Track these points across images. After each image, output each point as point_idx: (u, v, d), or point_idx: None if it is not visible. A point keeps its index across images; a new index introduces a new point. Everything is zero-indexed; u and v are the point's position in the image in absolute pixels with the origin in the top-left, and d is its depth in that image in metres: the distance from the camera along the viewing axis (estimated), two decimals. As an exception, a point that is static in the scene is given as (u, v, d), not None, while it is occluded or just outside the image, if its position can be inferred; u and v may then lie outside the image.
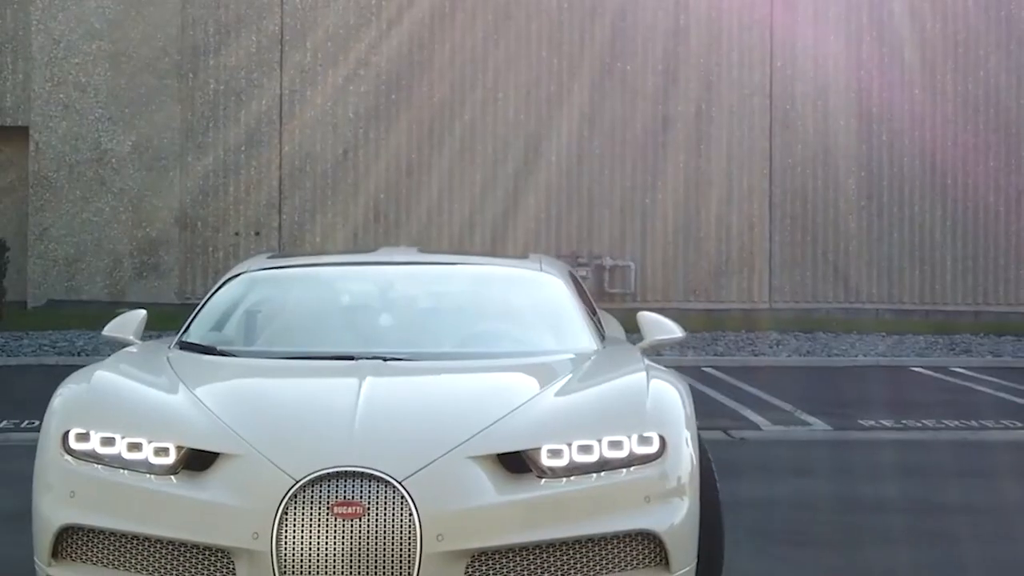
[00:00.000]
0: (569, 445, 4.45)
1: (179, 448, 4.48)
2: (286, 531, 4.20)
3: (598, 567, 4.39)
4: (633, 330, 6.61)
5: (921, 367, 14.52)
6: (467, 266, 6.81)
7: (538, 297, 6.21)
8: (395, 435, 4.47)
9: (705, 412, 11.06)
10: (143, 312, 6.30)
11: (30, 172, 18.62)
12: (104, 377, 5.02)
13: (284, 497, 4.22)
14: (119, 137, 18.56)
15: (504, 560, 4.33)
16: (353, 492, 4.21)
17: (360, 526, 4.18)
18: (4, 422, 10.32)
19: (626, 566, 4.41)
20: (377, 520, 4.19)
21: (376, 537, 4.18)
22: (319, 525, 4.19)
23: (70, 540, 4.50)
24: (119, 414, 4.73)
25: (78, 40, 18.55)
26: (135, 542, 4.40)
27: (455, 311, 6.19)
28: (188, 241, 18.72)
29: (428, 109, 18.77)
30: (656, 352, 6.42)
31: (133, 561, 4.40)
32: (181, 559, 4.35)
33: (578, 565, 4.38)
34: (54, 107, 18.57)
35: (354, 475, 4.24)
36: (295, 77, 18.71)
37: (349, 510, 4.19)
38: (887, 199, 18.93)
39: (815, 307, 18.82)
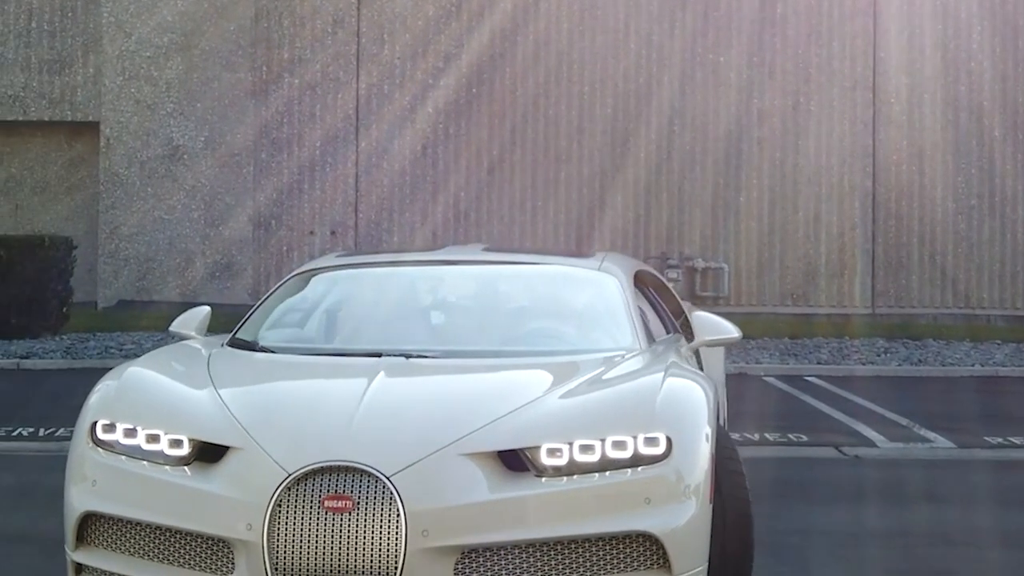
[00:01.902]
0: (570, 444, 4.44)
1: (191, 440, 4.62)
2: (278, 523, 4.29)
3: (595, 568, 4.36)
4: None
5: (1046, 378, 13.54)
6: (522, 265, 6.72)
7: (588, 295, 6.16)
8: (390, 432, 4.52)
9: (813, 426, 10.34)
10: (207, 308, 6.40)
11: (101, 169, 18.14)
12: (135, 372, 5.18)
13: (276, 489, 4.31)
14: (191, 133, 18.00)
15: (496, 558, 4.33)
16: (343, 486, 4.29)
17: (349, 520, 4.26)
18: (62, 430, 9.67)
19: (625, 568, 4.37)
20: (365, 515, 4.27)
21: (363, 531, 4.25)
22: (310, 518, 4.28)
23: (91, 527, 4.70)
24: (142, 407, 4.89)
25: (149, 33, 18.02)
26: (148, 530, 4.57)
27: (499, 310, 6.24)
28: (262, 240, 18.10)
29: (511, 104, 18.00)
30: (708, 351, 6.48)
31: (147, 548, 4.56)
32: (189, 548, 4.49)
33: (574, 565, 4.36)
34: (125, 102, 18.05)
35: (345, 470, 4.32)
36: (372, 71, 18.02)
37: (339, 504, 4.27)
38: (999, 198, 17.81)
39: (920, 312, 17.75)
